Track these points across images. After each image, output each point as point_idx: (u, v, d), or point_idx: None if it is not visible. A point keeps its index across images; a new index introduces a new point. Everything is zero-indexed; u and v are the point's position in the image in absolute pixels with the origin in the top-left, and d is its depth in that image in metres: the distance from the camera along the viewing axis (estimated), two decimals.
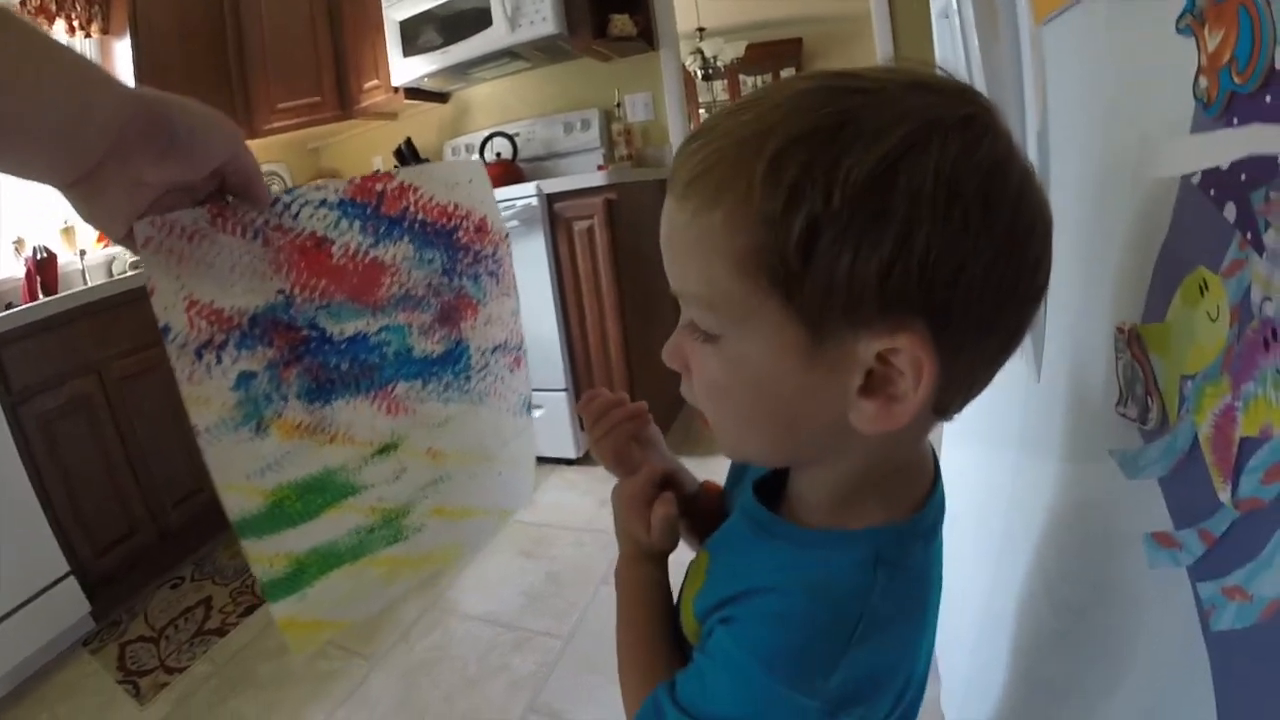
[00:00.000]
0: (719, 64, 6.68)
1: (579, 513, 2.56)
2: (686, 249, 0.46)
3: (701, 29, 6.26)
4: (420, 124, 3.84)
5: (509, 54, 3.12)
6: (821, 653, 0.47)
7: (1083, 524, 0.67)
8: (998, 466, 0.89)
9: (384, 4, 3.26)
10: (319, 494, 0.60)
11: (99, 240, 3.14)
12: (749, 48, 6.77)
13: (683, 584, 0.63)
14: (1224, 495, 0.42)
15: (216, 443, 0.54)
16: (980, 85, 0.91)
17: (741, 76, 7.66)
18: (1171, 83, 0.47)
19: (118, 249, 3.20)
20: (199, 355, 0.53)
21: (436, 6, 3.10)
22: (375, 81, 3.48)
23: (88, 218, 0.48)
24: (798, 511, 0.57)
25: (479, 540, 0.72)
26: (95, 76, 0.42)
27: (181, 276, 0.51)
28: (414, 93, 3.52)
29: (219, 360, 0.53)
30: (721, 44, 6.44)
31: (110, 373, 2.36)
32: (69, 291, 2.39)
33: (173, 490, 2.53)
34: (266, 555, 0.58)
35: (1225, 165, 0.43)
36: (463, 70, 3.29)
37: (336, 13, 3.49)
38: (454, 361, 0.67)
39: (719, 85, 7.73)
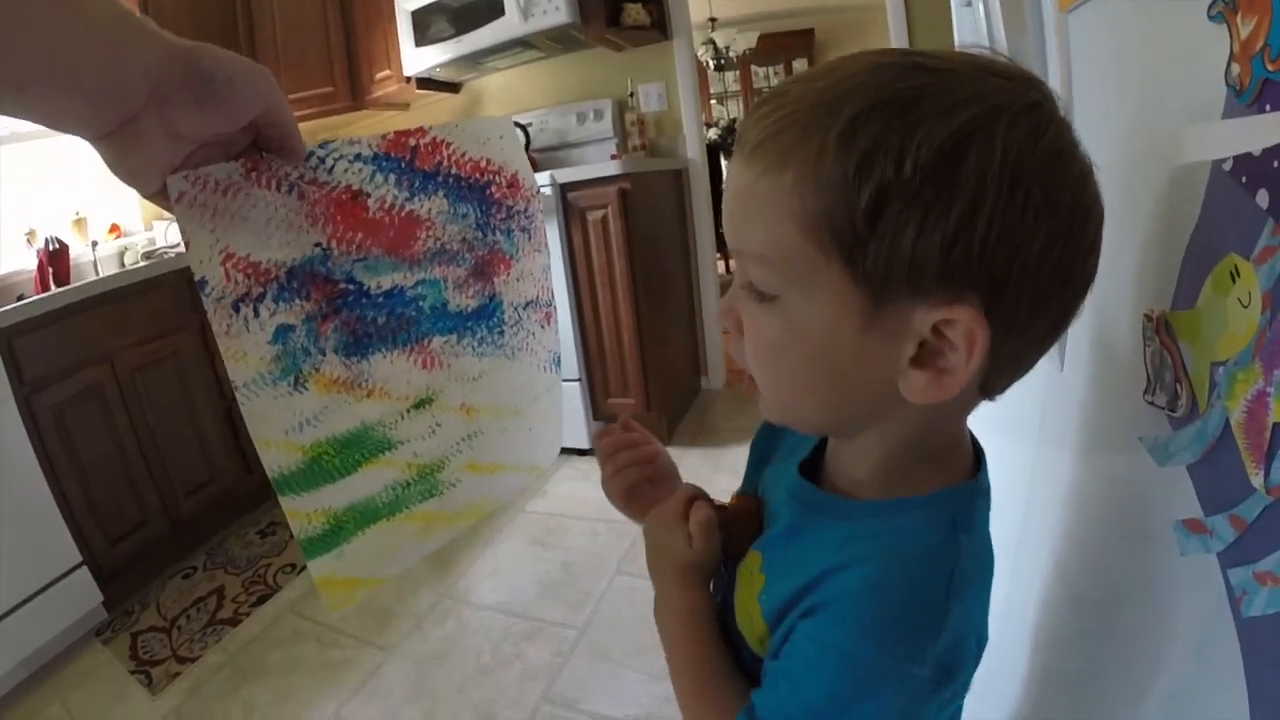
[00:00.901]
0: (731, 54, 6.66)
1: (592, 503, 2.55)
2: (752, 207, 0.46)
3: (714, 19, 6.24)
4: (432, 114, 3.83)
5: (522, 43, 3.10)
6: (927, 613, 0.46)
7: (1105, 517, 0.67)
8: (1016, 457, 0.89)
9: None
10: (356, 449, 0.60)
11: (111, 231, 3.15)
12: (761, 38, 6.75)
13: (731, 595, 0.61)
14: (1256, 480, 0.42)
15: (254, 397, 0.54)
16: None
17: (753, 67, 7.63)
18: (1202, 70, 0.47)
19: (130, 238, 3.22)
20: (236, 309, 0.53)
21: None
22: (387, 72, 3.48)
23: (120, 172, 0.47)
24: (845, 489, 0.56)
25: (509, 495, 0.73)
26: (133, 24, 0.41)
27: (216, 230, 0.51)
28: (426, 83, 3.51)
29: (256, 313, 0.53)
30: (734, 34, 6.43)
31: (123, 363, 2.38)
32: (81, 282, 2.40)
33: (185, 480, 2.55)
34: (305, 512, 0.58)
35: (1258, 151, 0.42)
36: (475, 60, 3.28)
37: (348, 2, 3.48)
38: (488, 316, 0.67)
39: (730, 76, 7.71)
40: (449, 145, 0.62)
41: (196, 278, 0.51)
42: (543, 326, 0.72)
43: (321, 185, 0.56)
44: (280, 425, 0.56)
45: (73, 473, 2.18)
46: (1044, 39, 0.91)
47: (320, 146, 0.56)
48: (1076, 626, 0.72)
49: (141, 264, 2.70)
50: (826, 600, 0.48)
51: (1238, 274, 0.45)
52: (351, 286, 0.58)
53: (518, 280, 0.69)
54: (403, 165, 0.60)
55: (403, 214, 0.60)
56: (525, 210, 0.69)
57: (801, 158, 0.42)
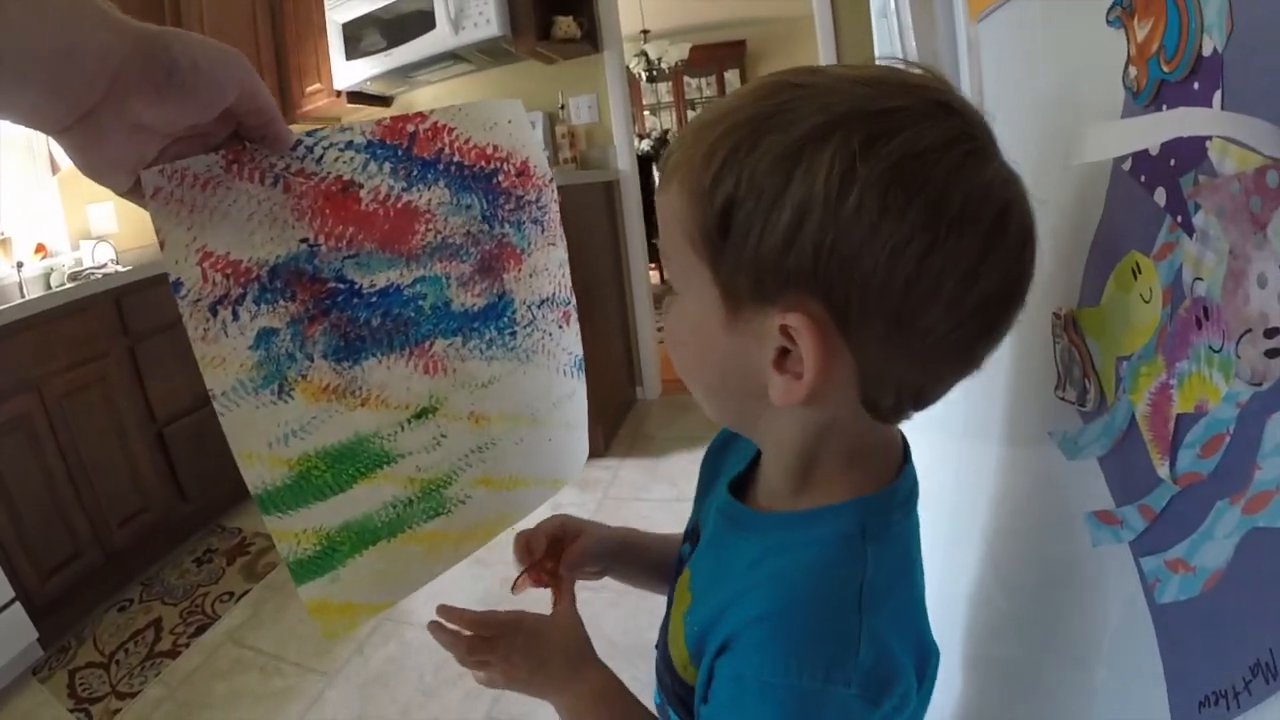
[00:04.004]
0: (664, 66, 6.71)
1: (531, 516, 2.51)
2: (660, 213, 0.51)
3: (646, 31, 6.27)
4: None
5: (452, 56, 3.09)
6: (839, 629, 0.46)
7: (1027, 507, 0.68)
8: (943, 454, 0.91)
9: (326, 6, 3.21)
10: (350, 463, 0.56)
11: (37, 251, 3.02)
12: (693, 50, 6.81)
13: (667, 614, 0.61)
14: (1163, 471, 0.43)
15: (234, 407, 0.50)
16: None
17: (686, 78, 7.70)
18: (1103, 74, 0.49)
19: (56, 258, 3.09)
20: (214, 311, 0.49)
21: (379, 9, 3.06)
22: (317, 85, 3.42)
23: (85, 169, 0.44)
24: (764, 501, 0.58)
25: (527, 511, 0.69)
26: (89, 9, 0.38)
27: (194, 227, 0.48)
28: (356, 96, 3.47)
29: (235, 316, 0.50)
30: (666, 46, 6.47)
31: (50, 390, 2.27)
32: (5, 306, 2.29)
33: (118, 509, 2.45)
34: (293, 532, 0.54)
35: (1155, 150, 0.44)
36: (406, 73, 3.26)
37: (278, 14, 3.43)
38: (497, 316, 0.62)
39: (663, 87, 7.77)
40: (451, 130, 0.58)
41: (171, 279, 0.48)
42: (561, 327, 0.68)
43: (309, 176, 0.52)
44: (263, 437, 0.52)
45: (1, 506, 2.08)
46: (955, 48, 0.94)
47: (308, 134, 0.52)
48: (1010, 614, 0.74)
49: (68, 285, 2.60)
50: (735, 631, 0.48)
51: (1139, 270, 0.46)
52: (342, 285, 0.54)
53: (530, 276, 0.64)
54: (399, 153, 0.55)
55: (399, 206, 0.56)
56: (537, 200, 0.64)
57: (681, 173, 0.47)
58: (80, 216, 3.13)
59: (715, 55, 7.48)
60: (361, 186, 0.54)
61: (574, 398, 0.71)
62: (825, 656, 0.45)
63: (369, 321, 0.55)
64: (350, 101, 3.45)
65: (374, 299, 0.55)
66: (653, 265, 4.52)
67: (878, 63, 0.48)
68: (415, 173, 0.56)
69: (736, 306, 0.46)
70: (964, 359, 0.47)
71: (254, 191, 0.50)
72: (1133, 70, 0.45)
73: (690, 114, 7.90)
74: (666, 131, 7.18)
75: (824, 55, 3.34)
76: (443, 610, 0.67)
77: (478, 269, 0.61)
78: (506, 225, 0.62)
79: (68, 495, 2.29)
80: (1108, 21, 0.48)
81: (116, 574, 2.48)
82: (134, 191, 0.46)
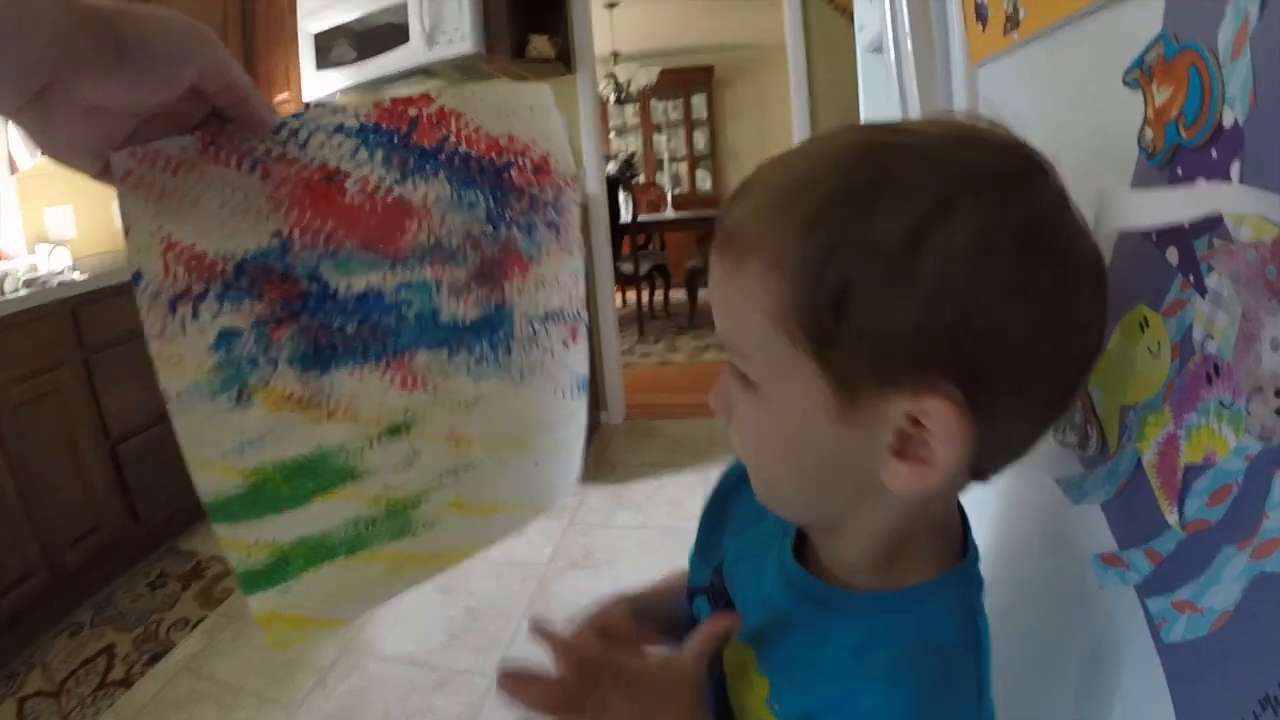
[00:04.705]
0: (632, 89, 6.77)
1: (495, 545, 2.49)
2: (727, 299, 0.45)
3: (616, 54, 6.33)
4: None
5: (425, 72, 3.08)
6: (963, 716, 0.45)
7: (1027, 550, 0.70)
8: None
9: (299, 15, 3.19)
10: (310, 477, 0.52)
11: None
12: (662, 73, 6.89)
13: (716, 685, 0.56)
14: (1171, 518, 0.45)
15: (189, 411, 0.47)
16: None
17: (653, 101, 7.77)
18: (1114, 132, 0.51)
19: (10, 263, 2.99)
20: (173, 307, 0.45)
21: (353, 20, 3.05)
22: (286, 95, 3.39)
23: (47, 151, 0.42)
24: (841, 576, 0.52)
25: (502, 536, 0.63)
26: None
27: (161, 215, 0.44)
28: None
29: (195, 314, 0.46)
30: (635, 69, 6.53)
31: (2, 401, 2.19)
32: None
33: (69, 528, 2.36)
34: (243, 542, 0.50)
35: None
36: (376, 86, 3.23)
37: (250, 22, 3.39)
38: (492, 330, 0.57)
39: (630, 110, 7.83)
40: (459, 116, 0.52)
41: (131, 270, 0.44)
42: (567, 344, 0.61)
43: (291, 162, 0.48)
44: (218, 444, 0.48)
45: None
46: (951, 92, 0.97)
47: (295, 116, 0.48)
48: (1012, 656, 0.75)
49: (22, 292, 2.52)
50: None
51: (1146, 324, 0.48)
52: (314, 286, 0.49)
53: (536, 287, 0.58)
54: (395, 139, 0.50)
55: (389, 199, 0.51)
56: (555, 201, 0.58)
57: (767, 249, 0.42)
58: (37, 219, 3.04)
59: (683, 80, 7.56)
60: (348, 176, 0.49)
61: (571, 420, 0.64)
62: None
63: (343, 328, 0.51)
64: None
65: (350, 304, 0.51)
66: (616, 288, 4.54)
67: (940, 117, 0.45)
68: (412, 163, 0.51)
69: (853, 396, 0.42)
70: (1065, 409, 0.47)
71: (230, 177, 0.46)
72: (1149, 132, 0.47)
73: (657, 136, 7.99)
74: (633, 154, 7.23)
75: (795, 84, 3.40)
76: (541, 630, 0.55)
77: (475, 275, 0.55)
78: (514, 228, 0.56)
79: (16, 512, 2.20)
80: (1124, 82, 0.50)
81: (67, 597, 2.39)
82: (106, 173, 0.44)
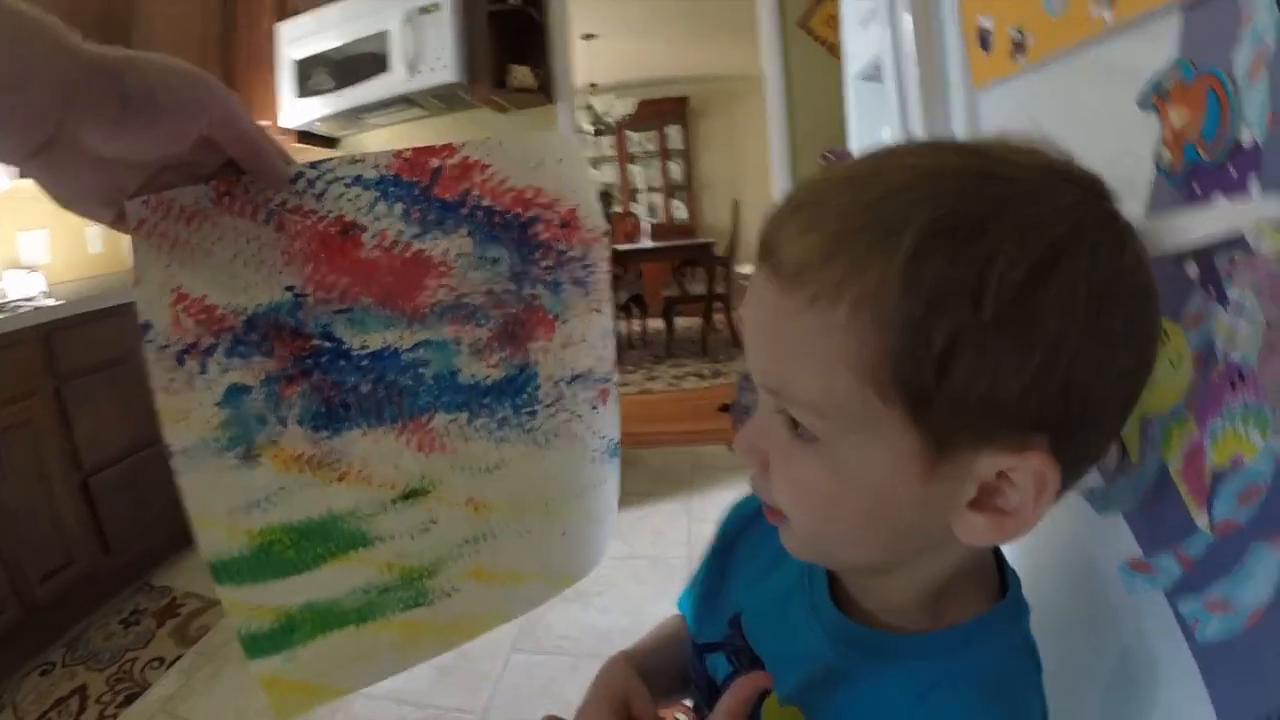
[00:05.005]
0: (608, 120, 6.83)
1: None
2: (794, 345, 0.40)
3: (594, 84, 6.40)
4: None
5: (406, 100, 3.08)
6: None
7: (1051, 563, 0.71)
8: None
9: (282, 40, 3.18)
10: (320, 541, 0.50)
11: None
12: (640, 105, 6.97)
13: None
14: (1201, 522, 0.46)
15: (194, 468, 0.46)
16: None
17: (628, 133, 7.84)
18: (1129, 152, 0.52)
19: None
20: (180, 360, 0.44)
21: (334, 48, 3.05)
22: (266, 122, 3.36)
23: (59, 202, 0.41)
24: (886, 620, 0.50)
25: (528, 608, 0.60)
26: (41, 31, 0.35)
27: (173, 265, 0.43)
28: (305, 136, 3.42)
29: (204, 369, 0.45)
30: (612, 100, 6.60)
31: None
32: None
33: (40, 563, 2.28)
34: (248, 605, 0.49)
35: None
36: (356, 115, 3.23)
37: (230, 47, 3.37)
38: (515, 392, 0.54)
39: (606, 141, 7.89)
40: (485, 168, 0.50)
41: (140, 320, 0.44)
42: (596, 407, 0.59)
43: (307, 214, 0.46)
44: (224, 503, 0.47)
45: None
46: (949, 115, 0.99)
47: (312, 166, 0.47)
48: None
49: None
50: None
51: (1167, 337, 0.50)
52: (328, 343, 0.48)
53: (563, 347, 0.56)
54: (416, 192, 0.48)
55: (408, 254, 0.49)
56: (584, 258, 0.55)
57: (858, 293, 0.36)
58: (9, 244, 2.99)
59: (658, 111, 7.65)
60: (365, 229, 0.48)
61: (602, 487, 0.62)
62: None
63: (357, 387, 0.49)
64: (299, 141, 3.40)
65: (365, 362, 0.49)
66: None
67: (1011, 141, 0.41)
68: (433, 216, 0.49)
69: (944, 455, 0.38)
70: (1114, 440, 0.47)
71: (244, 228, 0.45)
72: (1166, 153, 0.49)
73: (632, 167, 8.05)
74: (609, 185, 7.28)
75: (773, 115, 3.44)
76: None
77: (497, 335, 0.53)
78: (540, 285, 0.54)
79: None
80: (1139, 105, 0.52)
81: (38, 633, 2.31)
82: (121, 221, 0.43)
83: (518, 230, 0.52)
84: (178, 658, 2.23)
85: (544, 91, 3.34)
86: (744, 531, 0.62)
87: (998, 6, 0.81)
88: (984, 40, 0.85)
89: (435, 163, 0.49)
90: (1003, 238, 0.35)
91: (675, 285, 6.35)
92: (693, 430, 3.49)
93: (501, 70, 3.14)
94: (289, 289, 0.47)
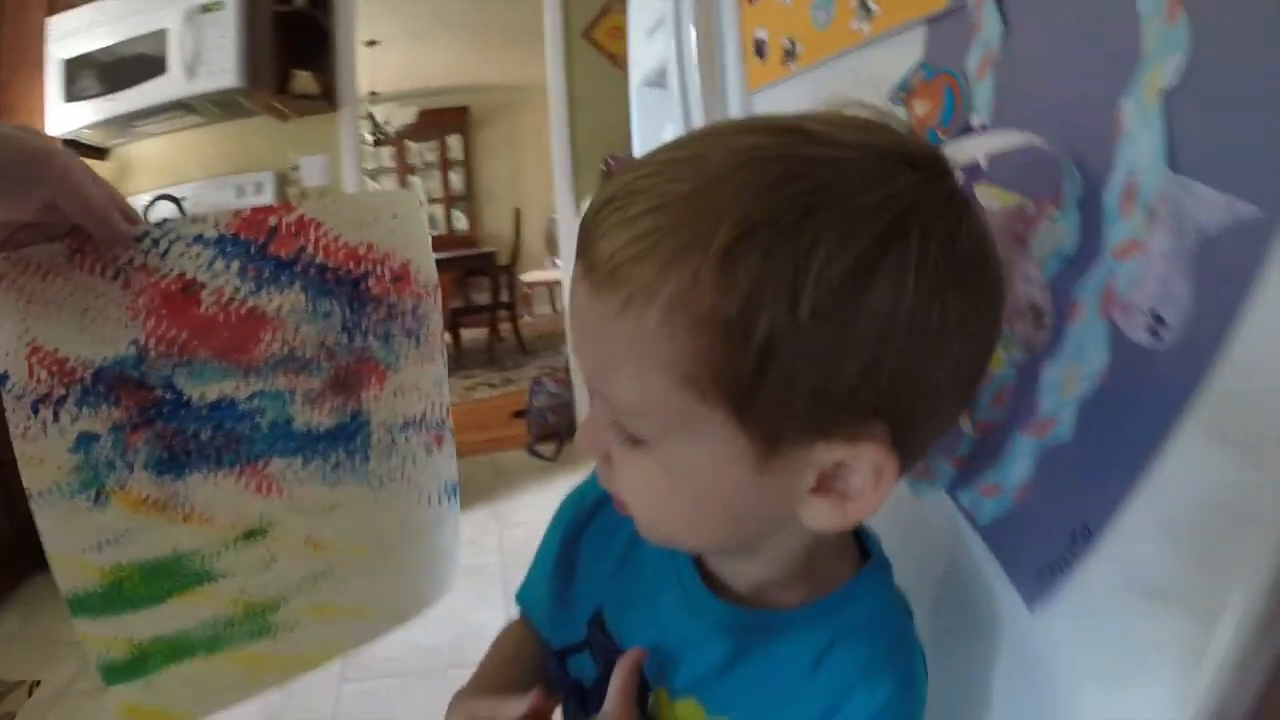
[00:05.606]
0: (389, 130, 6.66)
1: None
2: (612, 348, 0.39)
3: (374, 93, 6.21)
4: None
5: (182, 106, 2.89)
6: (922, 677, 0.49)
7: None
8: None
9: (49, 38, 2.86)
10: (166, 578, 0.53)
11: None
12: (421, 114, 6.84)
13: None
14: (965, 426, 0.58)
15: (50, 509, 0.49)
16: None
17: (409, 143, 7.68)
18: None
19: None
20: (35, 409, 0.47)
21: (106, 47, 2.79)
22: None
23: None
24: (759, 597, 0.51)
25: (369, 640, 0.62)
26: None
27: (29, 318, 0.46)
28: (72, 144, 3.07)
29: (56, 418, 0.48)
30: (394, 109, 6.45)
31: None
32: None
33: None
34: (103, 638, 0.52)
35: None
36: (129, 122, 2.96)
37: None
38: (348, 438, 0.57)
39: (386, 152, 7.68)
40: (319, 226, 0.53)
41: (0, 370, 0.46)
42: (431, 451, 0.61)
43: (151, 272, 0.49)
44: (77, 542, 0.50)
45: None
46: (727, 115, 1.11)
47: (157, 225, 0.49)
48: None
49: None
50: None
51: None
52: (169, 394, 0.51)
53: (394, 395, 0.58)
54: (252, 250, 0.51)
55: (243, 310, 0.52)
56: (414, 310, 0.58)
57: (670, 292, 0.34)
58: None
59: (439, 121, 7.53)
60: (204, 286, 0.51)
61: (440, 526, 0.64)
62: (922, 709, 0.49)
63: (197, 434, 0.52)
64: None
65: (203, 411, 0.52)
66: None
67: (842, 113, 0.40)
68: (267, 274, 0.52)
69: (775, 449, 0.37)
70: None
71: (94, 285, 0.48)
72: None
73: (412, 179, 7.88)
74: None
75: (556, 123, 3.52)
76: None
77: (329, 385, 0.56)
78: (371, 337, 0.57)
79: None
80: (890, 100, 0.65)
81: None
82: None
83: (350, 285, 0.55)
84: None
85: (327, 98, 3.24)
86: (585, 528, 0.61)
87: (772, 20, 0.94)
88: (759, 49, 0.98)
89: (272, 220, 0.52)
90: (823, 229, 0.33)
91: (460, 296, 6.32)
92: (490, 438, 3.50)
93: (284, 75, 3.02)
94: (133, 343, 0.49)
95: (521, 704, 0.50)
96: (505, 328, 6.00)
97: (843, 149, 0.35)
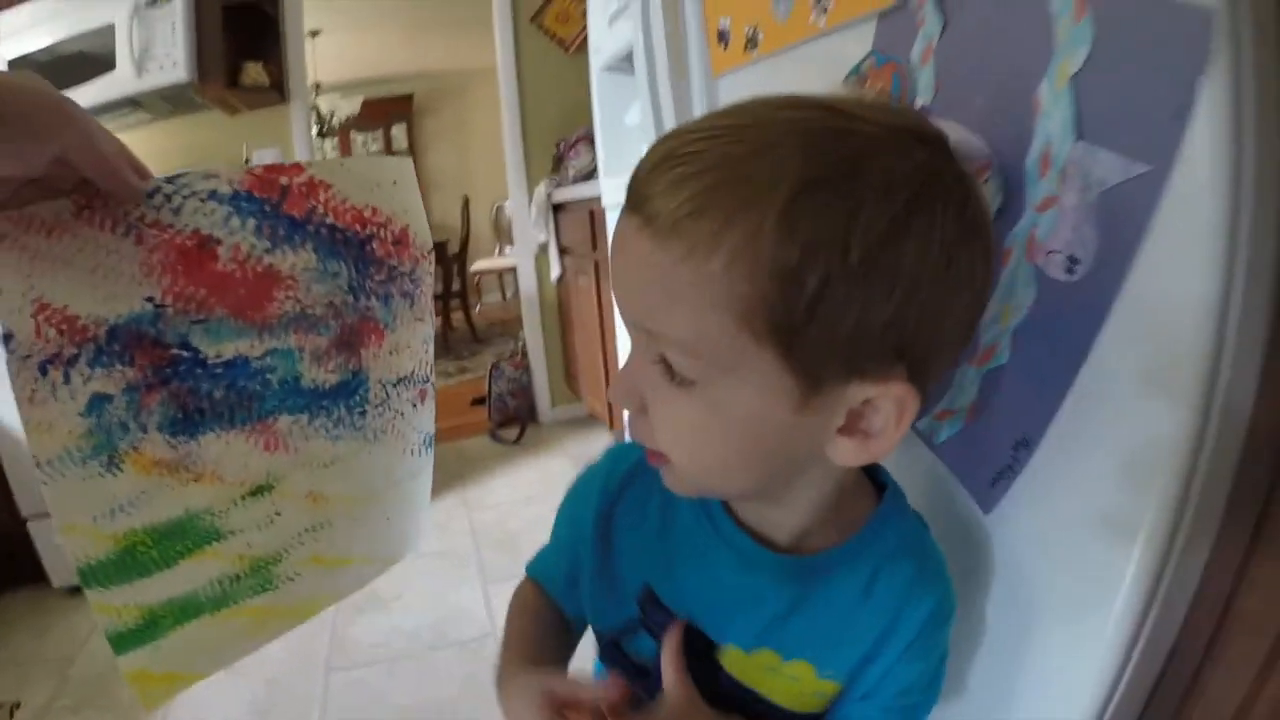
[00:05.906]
0: (334, 122, 6.58)
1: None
2: (671, 291, 0.42)
3: (318, 84, 6.13)
4: None
5: (131, 103, 2.85)
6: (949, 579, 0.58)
7: None
8: None
9: None
10: (178, 540, 0.53)
11: None
12: (365, 104, 6.75)
13: (737, 689, 0.58)
14: None
15: (59, 478, 0.47)
16: (670, 127, 1.16)
17: (353, 134, 7.58)
18: None
19: None
20: (43, 370, 0.45)
21: (50, 45, 2.74)
22: None
23: None
24: (796, 544, 0.56)
25: (357, 587, 0.65)
26: None
27: (33, 275, 0.44)
28: None
29: (67, 379, 0.46)
30: (338, 100, 6.36)
31: None
32: None
33: None
34: (114, 606, 0.51)
35: None
36: None
37: None
38: (348, 394, 0.58)
39: (330, 144, 7.58)
40: (328, 188, 0.53)
41: (2, 331, 0.44)
42: (415, 406, 0.64)
43: (164, 228, 0.48)
44: (88, 510, 0.48)
45: None
46: (691, 99, 1.19)
47: (168, 180, 0.48)
48: None
49: None
50: (912, 639, 0.55)
51: None
52: (185, 353, 0.50)
53: (390, 354, 0.60)
54: (267, 208, 0.51)
55: (259, 268, 0.51)
56: (411, 273, 0.60)
57: (734, 242, 0.39)
58: None
59: (383, 111, 7.43)
60: (220, 243, 0.50)
61: (419, 477, 0.67)
62: (954, 606, 0.58)
63: (211, 394, 0.52)
64: None
65: (219, 370, 0.51)
66: None
67: (856, 96, 0.47)
68: (282, 232, 0.52)
69: (817, 389, 0.42)
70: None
71: (103, 241, 0.46)
72: None
73: None
74: None
75: (507, 108, 3.51)
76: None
77: (335, 343, 0.57)
78: (373, 298, 0.58)
79: None
80: (844, 85, 0.74)
81: None
82: None
83: (356, 247, 0.56)
84: None
85: (277, 90, 3.23)
86: (615, 507, 0.63)
87: (735, 10, 1.01)
88: (722, 37, 1.05)
89: (284, 180, 0.52)
90: (866, 190, 0.38)
91: None
92: (451, 426, 3.52)
93: (234, 68, 2.99)
94: (148, 300, 0.48)
95: (597, 689, 0.50)
96: (457, 317, 5.96)
97: (869, 124, 0.41)
